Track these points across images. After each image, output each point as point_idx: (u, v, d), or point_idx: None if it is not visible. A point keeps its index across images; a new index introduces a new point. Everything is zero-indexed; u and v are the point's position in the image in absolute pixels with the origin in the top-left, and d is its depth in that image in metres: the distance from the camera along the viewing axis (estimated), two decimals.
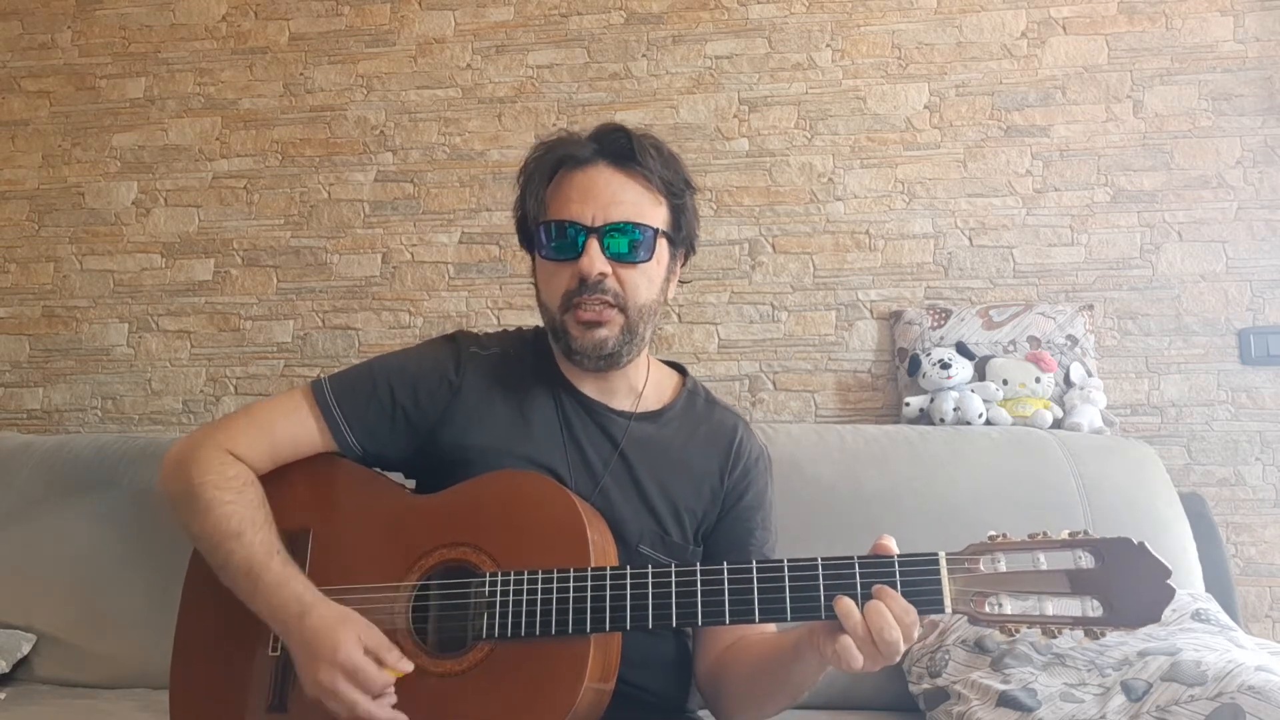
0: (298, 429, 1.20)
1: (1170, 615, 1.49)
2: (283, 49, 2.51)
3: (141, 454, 1.98)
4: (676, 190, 1.20)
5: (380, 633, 1.04)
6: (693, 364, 2.26)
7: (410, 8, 2.47)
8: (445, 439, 1.21)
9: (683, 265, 1.27)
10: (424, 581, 1.10)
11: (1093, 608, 0.90)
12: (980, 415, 2.00)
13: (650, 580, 1.02)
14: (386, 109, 2.45)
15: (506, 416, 1.22)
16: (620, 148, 1.17)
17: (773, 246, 2.29)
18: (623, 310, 1.16)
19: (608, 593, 1.02)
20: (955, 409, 2.00)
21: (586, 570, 1.04)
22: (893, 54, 2.31)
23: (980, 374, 2.08)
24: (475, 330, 1.36)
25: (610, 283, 1.15)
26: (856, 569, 0.96)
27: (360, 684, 1.00)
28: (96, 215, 2.51)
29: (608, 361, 1.19)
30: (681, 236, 1.23)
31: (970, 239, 2.23)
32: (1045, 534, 0.94)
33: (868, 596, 0.94)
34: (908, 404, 2.06)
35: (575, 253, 1.14)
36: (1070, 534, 0.93)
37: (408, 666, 1.03)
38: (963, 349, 2.08)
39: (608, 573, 1.03)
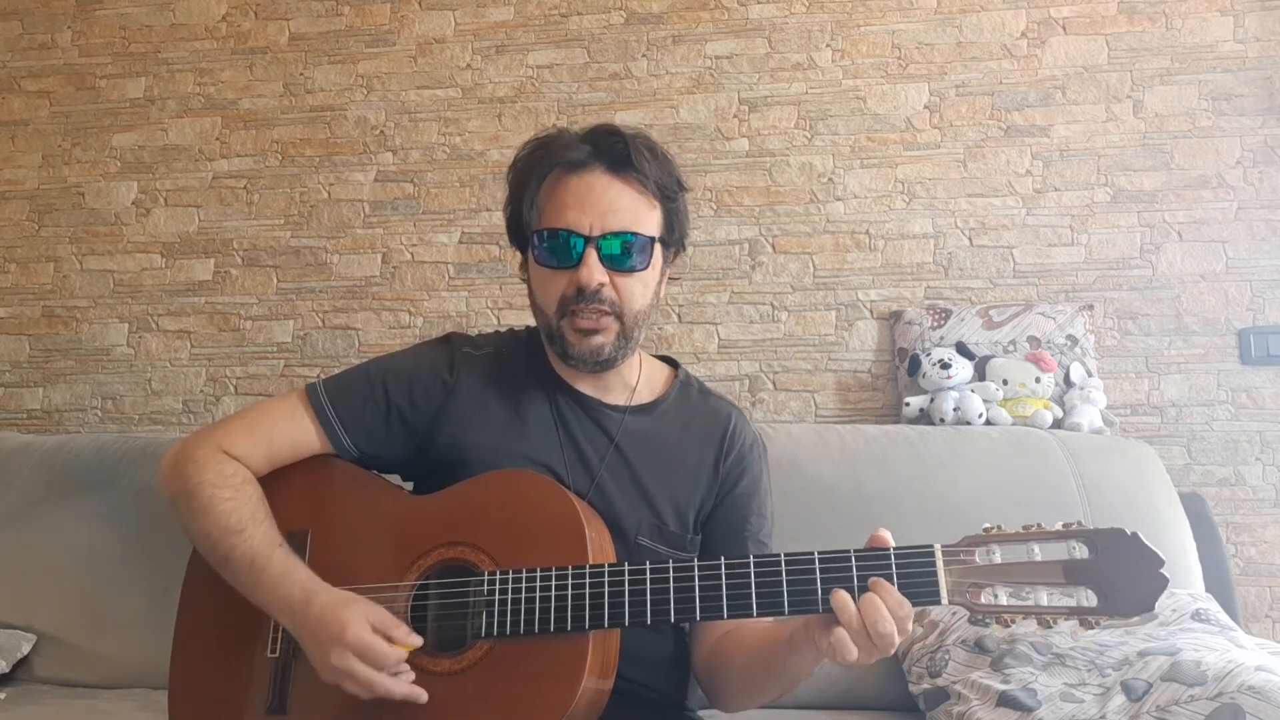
0: (294, 431, 1.21)
1: (1170, 615, 1.49)
2: (283, 49, 2.51)
3: (141, 454, 1.98)
4: (670, 193, 1.20)
5: (386, 611, 1.05)
6: (693, 364, 2.27)
7: (410, 8, 2.47)
8: (441, 439, 1.22)
9: (673, 263, 1.28)
10: (423, 581, 1.10)
11: (1087, 598, 0.90)
12: (980, 415, 2.00)
13: (648, 576, 1.02)
14: (386, 109, 2.45)
15: (502, 415, 1.23)
16: (617, 153, 1.17)
17: (773, 246, 2.29)
18: (619, 318, 1.16)
19: (606, 589, 1.02)
20: (955, 409, 2.00)
21: (585, 568, 1.04)
22: (893, 54, 2.31)
23: (980, 374, 2.08)
24: (472, 330, 1.36)
25: (608, 291, 1.15)
26: (853, 562, 0.96)
27: (373, 661, 1.01)
28: (96, 215, 2.51)
29: (604, 365, 1.20)
30: (674, 238, 1.23)
31: (970, 239, 2.23)
32: (1040, 525, 0.94)
33: (864, 589, 0.94)
34: (908, 404, 2.06)
35: (573, 261, 1.14)
36: (1064, 525, 0.93)
37: (417, 641, 1.04)
38: (963, 349, 2.08)
39: (606, 570, 1.03)
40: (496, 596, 1.05)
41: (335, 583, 1.10)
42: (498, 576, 1.06)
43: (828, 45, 2.33)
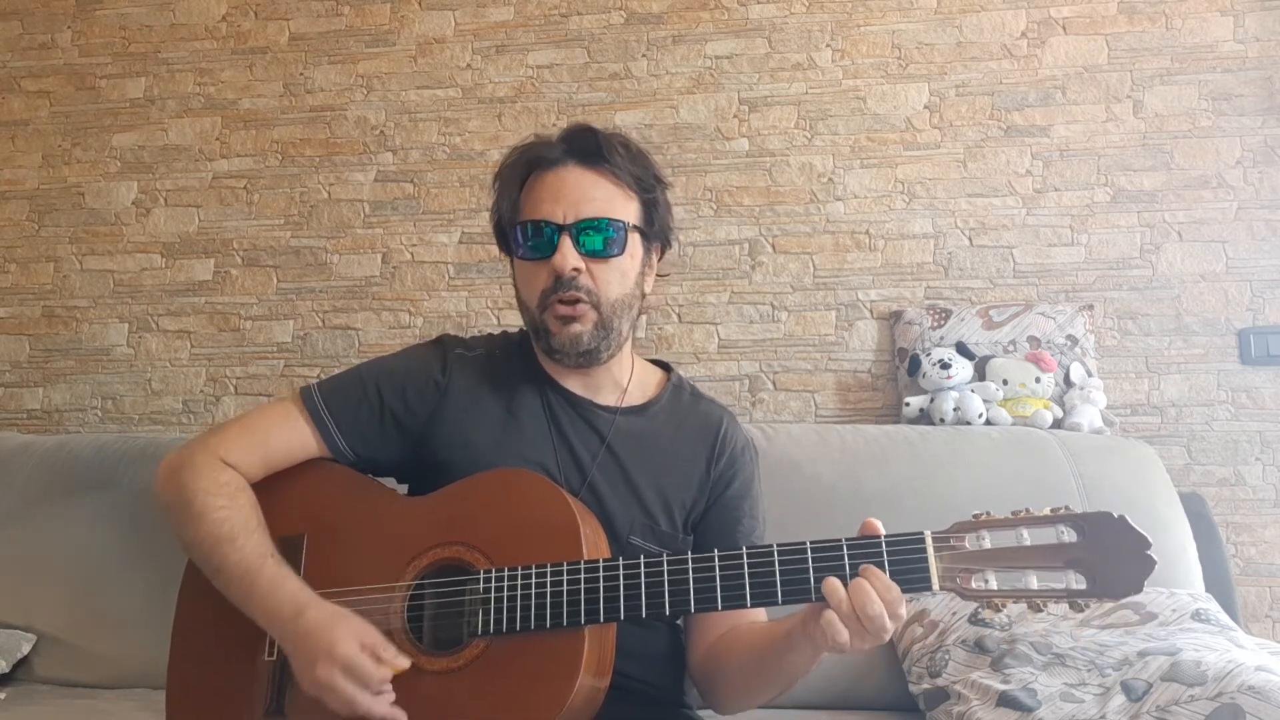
0: (290, 435, 1.21)
1: (1170, 615, 1.49)
2: (283, 49, 2.51)
3: (141, 454, 1.98)
4: (647, 185, 1.22)
5: (376, 630, 1.05)
6: (693, 364, 2.27)
7: (410, 8, 2.47)
8: (435, 440, 1.23)
9: (659, 259, 1.30)
10: (418, 581, 1.10)
11: (1076, 580, 0.91)
12: (980, 415, 2.00)
13: (643, 569, 1.03)
14: (386, 109, 2.45)
15: (495, 416, 1.23)
16: (588, 146, 1.20)
17: (773, 246, 2.29)
18: (595, 306, 1.18)
19: (601, 584, 1.03)
20: (955, 409, 2.00)
21: (580, 563, 1.04)
22: (893, 54, 2.31)
23: (980, 374, 2.07)
24: (472, 331, 1.37)
25: (584, 279, 1.17)
26: (845, 551, 0.98)
27: (358, 679, 1.00)
28: (96, 215, 2.51)
29: (587, 358, 1.21)
30: (655, 231, 1.25)
31: (970, 239, 2.23)
32: (1028, 510, 0.96)
33: (856, 577, 0.95)
34: (908, 404, 2.06)
35: (549, 251, 1.17)
36: (1052, 510, 0.95)
37: (404, 663, 1.03)
38: (963, 349, 2.08)
39: (600, 564, 1.04)
40: (492, 594, 1.05)
41: (332, 585, 1.10)
42: (493, 574, 1.06)
43: (828, 45, 2.33)
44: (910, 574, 0.95)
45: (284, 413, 1.23)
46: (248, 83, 2.51)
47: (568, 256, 1.15)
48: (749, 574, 1.00)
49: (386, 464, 1.27)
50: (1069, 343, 2.10)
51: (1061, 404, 2.03)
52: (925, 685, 1.51)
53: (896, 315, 2.21)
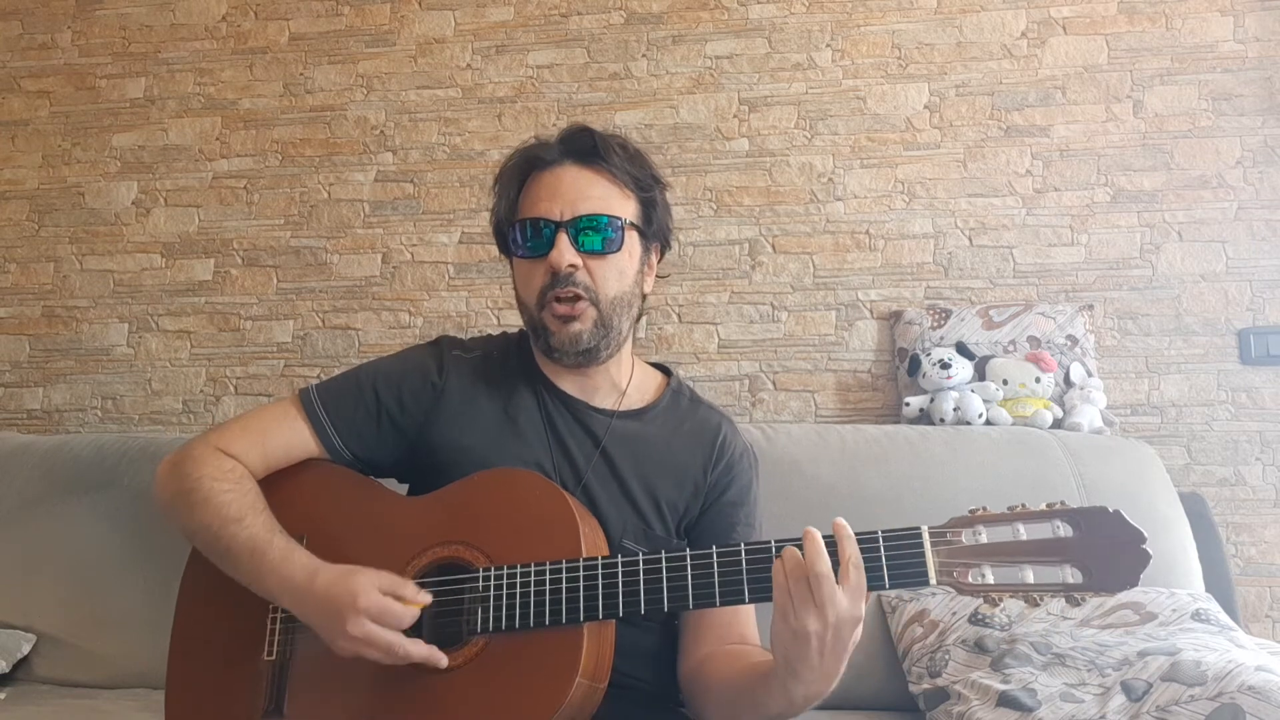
0: (288, 435, 1.22)
1: (1170, 615, 1.49)
2: (283, 49, 2.51)
3: (141, 454, 1.98)
4: (645, 185, 1.23)
5: (390, 573, 1.06)
6: (692, 364, 2.27)
7: (410, 8, 2.47)
8: (432, 441, 1.23)
9: (659, 259, 1.30)
10: (418, 581, 1.10)
11: (1072, 575, 0.92)
12: (980, 415, 2.00)
13: (641, 567, 1.03)
14: (386, 109, 2.45)
15: (491, 416, 1.24)
16: (585, 146, 1.21)
17: (773, 246, 2.29)
18: (594, 303, 1.18)
19: (599, 581, 1.03)
20: (955, 409, 2.00)
21: (579, 561, 1.05)
22: (893, 54, 2.31)
23: (980, 374, 2.07)
24: (472, 331, 1.37)
25: (581, 275, 1.17)
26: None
27: (389, 622, 1.01)
28: (96, 215, 2.51)
29: (586, 357, 1.21)
30: (653, 230, 1.25)
31: (970, 239, 2.23)
32: (1024, 505, 0.96)
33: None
34: (908, 404, 2.06)
35: (547, 248, 1.17)
36: (1048, 505, 0.95)
37: (427, 598, 1.05)
38: (963, 349, 2.08)
39: (599, 562, 1.04)
40: (491, 592, 1.05)
41: None
42: (492, 572, 1.06)
43: (828, 45, 2.33)
44: (907, 569, 0.95)
45: (283, 413, 1.24)
46: (248, 83, 2.51)
47: (564, 253, 1.16)
48: (746, 570, 1.00)
49: (384, 464, 1.27)
50: (1069, 343, 2.10)
51: (1061, 404, 2.03)
52: (925, 685, 1.51)
53: (896, 315, 2.21)
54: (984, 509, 0.97)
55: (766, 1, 2.35)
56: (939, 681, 1.49)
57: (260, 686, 1.12)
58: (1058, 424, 1.99)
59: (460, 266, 2.38)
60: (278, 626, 1.14)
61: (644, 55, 2.38)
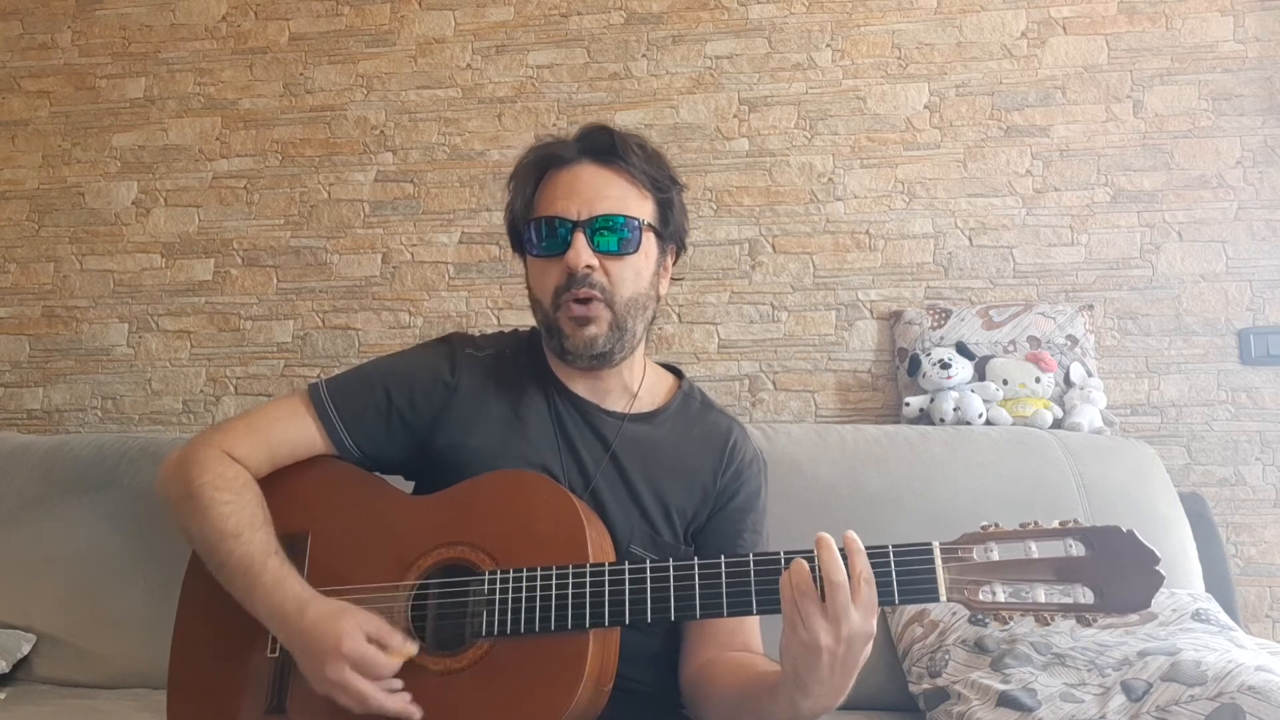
0: (295, 432, 1.21)
1: (1170, 615, 1.49)
2: (283, 49, 2.51)
3: (141, 454, 1.98)
4: (662, 186, 1.21)
5: (380, 619, 1.04)
6: (693, 364, 2.27)
7: (410, 8, 2.47)
8: (441, 440, 1.22)
9: (674, 262, 1.28)
10: (423, 581, 1.09)
11: (1084, 595, 0.91)
12: (980, 415, 2.00)
13: (648, 574, 1.02)
14: (386, 109, 2.45)
15: (501, 417, 1.23)
16: (603, 145, 1.19)
17: (773, 246, 2.29)
18: (609, 305, 1.17)
19: (606, 588, 1.02)
20: (955, 409, 2.00)
21: (585, 566, 1.04)
22: (893, 54, 2.31)
23: (980, 374, 2.07)
24: (473, 331, 1.36)
25: (598, 276, 1.16)
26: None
27: (368, 672, 1.00)
28: (96, 215, 2.51)
29: (600, 360, 1.20)
30: (670, 231, 1.24)
31: (970, 239, 2.23)
32: (1036, 523, 0.95)
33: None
34: (908, 404, 2.06)
35: (563, 248, 1.16)
36: (1061, 523, 0.94)
37: (412, 649, 1.03)
38: (963, 349, 2.08)
39: (606, 569, 1.03)
40: (496, 596, 1.04)
41: (335, 583, 1.10)
42: (498, 576, 1.05)
43: (828, 45, 2.33)
44: (918, 585, 0.94)
45: (290, 409, 1.22)
46: (248, 83, 2.51)
47: (581, 253, 1.14)
48: (755, 580, 0.99)
49: (392, 462, 1.26)
50: (1069, 343, 2.10)
51: (1061, 404, 2.03)
52: (925, 685, 1.51)
53: (896, 315, 2.21)
54: (996, 525, 0.95)
55: (766, 1, 2.35)
56: (939, 681, 1.49)
57: (262, 684, 1.11)
58: (1058, 424, 1.99)
59: (460, 266, 2.38)
60: (274, 634, 1.13)
61: (644, 55, 2.38)
